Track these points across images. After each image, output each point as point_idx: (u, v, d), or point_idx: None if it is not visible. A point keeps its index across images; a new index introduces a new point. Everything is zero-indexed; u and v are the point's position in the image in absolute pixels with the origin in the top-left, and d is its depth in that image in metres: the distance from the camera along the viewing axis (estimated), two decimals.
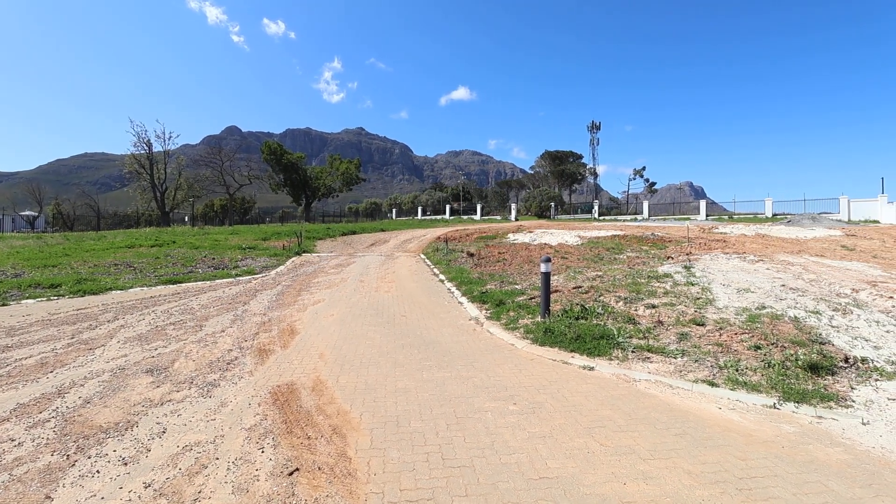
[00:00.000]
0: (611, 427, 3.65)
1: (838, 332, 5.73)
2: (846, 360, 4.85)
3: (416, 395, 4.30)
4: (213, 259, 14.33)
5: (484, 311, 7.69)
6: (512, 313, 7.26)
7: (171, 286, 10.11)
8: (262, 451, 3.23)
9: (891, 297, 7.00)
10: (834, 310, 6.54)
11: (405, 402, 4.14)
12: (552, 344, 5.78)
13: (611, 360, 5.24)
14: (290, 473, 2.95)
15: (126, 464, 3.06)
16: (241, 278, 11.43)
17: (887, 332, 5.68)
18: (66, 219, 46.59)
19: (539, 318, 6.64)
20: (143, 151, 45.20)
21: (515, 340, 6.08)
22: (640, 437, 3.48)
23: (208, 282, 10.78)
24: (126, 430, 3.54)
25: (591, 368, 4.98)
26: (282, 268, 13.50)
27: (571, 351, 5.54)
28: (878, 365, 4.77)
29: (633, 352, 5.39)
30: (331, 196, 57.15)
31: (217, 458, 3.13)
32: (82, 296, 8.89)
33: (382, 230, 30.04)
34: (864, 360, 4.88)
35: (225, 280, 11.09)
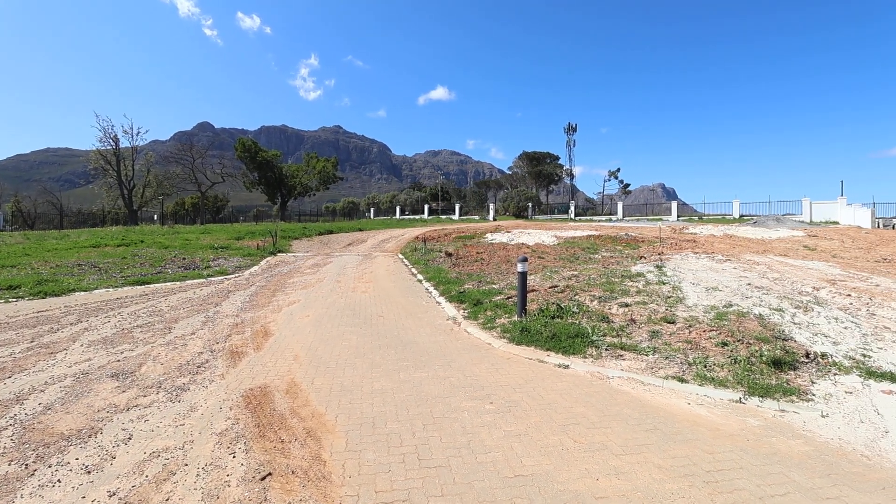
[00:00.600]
0: (585, 424, 3.71)
1: (800, 328, 5.98)
2: (807, 355, 5.07)
3: (393, 395, 4.27)
4: (184, 259, 13.91)
5: (461, 311, 7.71)
6: (489, 313, 7.30)
7: (139, 287, 9.77)
8: (234, 456, 3.15)
9: (849, 295, 7.35)
10: (796, 307, 6.82)
11: (382, 403, 4.11)
12: (528, 343, 5.85)
13: (585, 358, 5.33)
14: (263, 478, 2.89)
15: (89, 472, 2.94)
16: (212, 279, 11.14)
17: (845, 328, 5.96)
18: (26, 217, 44.44)
19: (516, 318, 6.70)
20: (109, 147, 43.50)
21: (492, 340, 6.11)
22: (612, 434, 3.55)
23: (178, 282, 10.47)
24: (89, 437, 3.41)
25: (566, 366, 5.06)
26: (256, 268, 13.22)
27: (547, 349, 5.61)
28: (837, 360, 5.00)
29: (606, 350, 5.49)
30: (307, 195, 56.24)
31: (186, 465, 3.04)
32: (43, 297, 8.50)
33: (360, 230, 29.76)
34: (823, 355, 5.11)
35: (196, 281, 10.79)
